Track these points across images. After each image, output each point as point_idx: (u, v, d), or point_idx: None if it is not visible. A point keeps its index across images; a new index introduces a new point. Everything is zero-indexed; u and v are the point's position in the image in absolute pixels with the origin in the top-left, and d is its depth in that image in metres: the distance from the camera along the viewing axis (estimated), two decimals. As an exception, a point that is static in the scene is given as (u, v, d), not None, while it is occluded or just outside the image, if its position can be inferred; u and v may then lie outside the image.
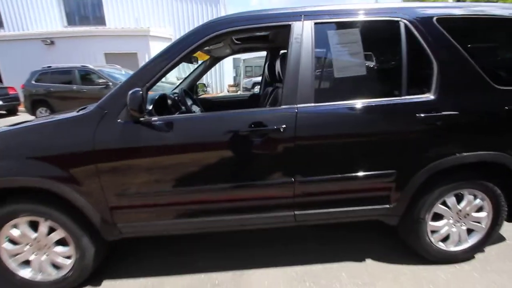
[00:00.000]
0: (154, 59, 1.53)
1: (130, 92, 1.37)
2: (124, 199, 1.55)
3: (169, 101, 2.14)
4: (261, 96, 2.98)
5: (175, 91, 2.63)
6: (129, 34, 12.88)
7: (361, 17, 1.60)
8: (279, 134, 1.50)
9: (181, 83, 2.94)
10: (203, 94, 3.27)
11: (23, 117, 9.07)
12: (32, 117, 7.67)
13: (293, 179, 1.57)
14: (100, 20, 15.14)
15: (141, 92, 1.36)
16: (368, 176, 1.60)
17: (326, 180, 1.59)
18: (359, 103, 1.55)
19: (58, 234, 1.61)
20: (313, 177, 1.58)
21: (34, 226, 1.61)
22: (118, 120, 1.48)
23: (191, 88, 2.96)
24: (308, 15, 1.59)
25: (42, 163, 1.47)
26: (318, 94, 1.54)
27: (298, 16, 1.59)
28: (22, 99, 8.29)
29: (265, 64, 3.03)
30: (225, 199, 1.60)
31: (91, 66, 7.54)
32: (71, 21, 15.36)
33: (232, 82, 18.10)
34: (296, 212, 1.64)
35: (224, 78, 16.32)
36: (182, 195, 1.58)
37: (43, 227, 1.60)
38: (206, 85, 14.81)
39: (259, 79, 16.34)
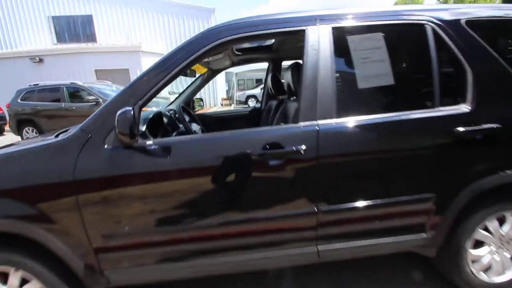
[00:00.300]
0: (148, 72, 1.30)
1: (119, 112, 1.13)
2: (113, 238, 1.28)
3: (165, 119, 1.90)
4: (263, 110, 2.77)
5: (171, 107, 2.40)
6: (120, 50, 12.75)
7: (383, 20, 1.42)
8: (299, 157, 1.27)
9: (177, 98, 2.71)
10: (199, 110, 3.04)
11: (9, 137, 8.65)
12: (17, 138, 7.30)
13: (315, 209, 1.33)
14: (90, 37, 15.06)
15: (132, 112, 1.12)
16: (403, 201, 1.37)
17: (355, 209, 1.35)
18: (389, 117, 1.34)
19: (33, 287, 1.31)
20: (339, 205, 1.34)
21: (2, 277, 1.31)
22: (105, 146, 1.23)
23: (188, 103, 2.74)
24: (324, 19, 1.40)
25: (8, 199, 1.20)
26: (341, 108, 1.33)
27: (312, 20, 1.39)
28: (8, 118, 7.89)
29: (266, 76, 2.84)
30: (236, 233, 1.35)
31: (80, 83, 7.28)
32: (60, 38, 15.21)
33: (225, 96, 18.03)
34: (320, 248, 1.39)
35: (217, 91, 16.26)
36: (185, 231, 1.31)
37: (14, 279, 1.30)
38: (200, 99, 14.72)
39: (252, 92, 16.38)
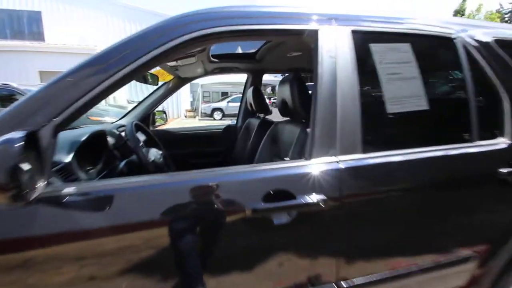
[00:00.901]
0: (75, 71, 0.79)
1: None
2: None
3: (112, 141, 1.36)
4: (240, 128, 2.34)
5: (122, 122, 1.85)
6: (71, 51, 11.48)
7: (410, 28, 1.11)
8: (316, 211, 0.85)
9: (132, 110, 2.16)
10: (161, 124, 2.50)
11: None
12: None
13: (334, 285, 0.91)
14: (38, 35, 13.49)
15: (18, 145, 0.59)
16: (442, 264, 1.03)
17: (385, 280, 0.96)
18: (430, 152, 1.00)
19: None
20: (366, 275, 0.94)
21: None
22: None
23: (146, 117, 2.19)
24: (341, 20, 1.04)
25: None
26: (368, 139, 0.95)
27: (326, 19, 1.03)
28: None
29: (245, 89, 2.44)
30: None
31: (14, 85, 6.12)
32: (1, 34, 13.32)
33: (189, 107, 17.27)
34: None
35: (180, 102, 15.47)
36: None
37: None
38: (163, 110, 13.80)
39: (218, 104, 15.93)
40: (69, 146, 1.00)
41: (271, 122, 2.01)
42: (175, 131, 2.41)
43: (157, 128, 2.37)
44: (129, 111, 2.12)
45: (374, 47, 1.05)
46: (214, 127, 2.54)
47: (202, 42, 0.94)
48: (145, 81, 1.58)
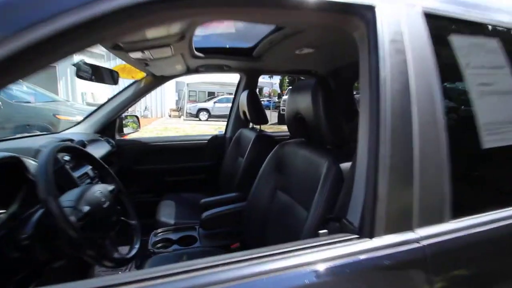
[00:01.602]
0: None
1: None
2: None
3: (30, 173, 0.88)
4: (229, 140, 1.91)
5: (71, 132, 1.37)
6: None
7: (496, 19, 0.74)
8: None
9: (89, 115, 1.66)
10: (132, 132, 2.02)
11: None
12: None
13: None
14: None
15: None
16: None
17: None
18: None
19: None
20: None
21: None
22: None
23: (111, 124, 1.72)
24: (407, -7, 0.64)
25: None
26: (458, 196, 0.56)
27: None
28: None
29: (236, 92, 2.01)
30: None
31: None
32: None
33: (174, 106, 16.57)
34: None
35: (165, 101, 14.79)
36: None
37: None
38: (146, 108, 13.02)
39: (204, 105, 15.31)
40: None
41: (270, 137, 1.60)
42: (148, 142, 1.93)
43: (125, 137, 1.90)
44: (86, 117, 1.63)
45: (457, 41, 0.65)
46: (197, 137, 2.09)
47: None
48: (88, 76, 1.08)
